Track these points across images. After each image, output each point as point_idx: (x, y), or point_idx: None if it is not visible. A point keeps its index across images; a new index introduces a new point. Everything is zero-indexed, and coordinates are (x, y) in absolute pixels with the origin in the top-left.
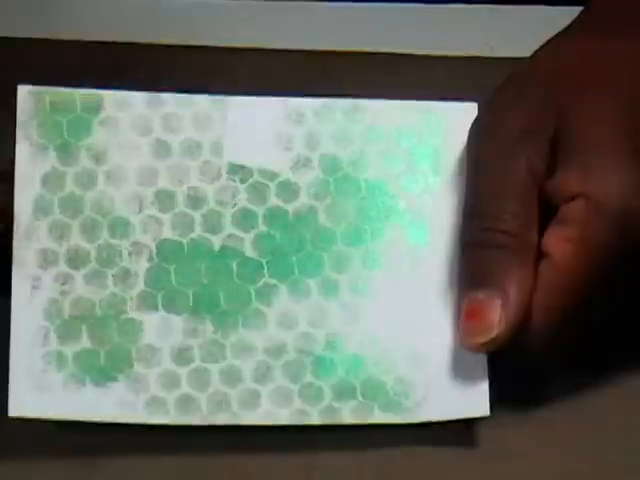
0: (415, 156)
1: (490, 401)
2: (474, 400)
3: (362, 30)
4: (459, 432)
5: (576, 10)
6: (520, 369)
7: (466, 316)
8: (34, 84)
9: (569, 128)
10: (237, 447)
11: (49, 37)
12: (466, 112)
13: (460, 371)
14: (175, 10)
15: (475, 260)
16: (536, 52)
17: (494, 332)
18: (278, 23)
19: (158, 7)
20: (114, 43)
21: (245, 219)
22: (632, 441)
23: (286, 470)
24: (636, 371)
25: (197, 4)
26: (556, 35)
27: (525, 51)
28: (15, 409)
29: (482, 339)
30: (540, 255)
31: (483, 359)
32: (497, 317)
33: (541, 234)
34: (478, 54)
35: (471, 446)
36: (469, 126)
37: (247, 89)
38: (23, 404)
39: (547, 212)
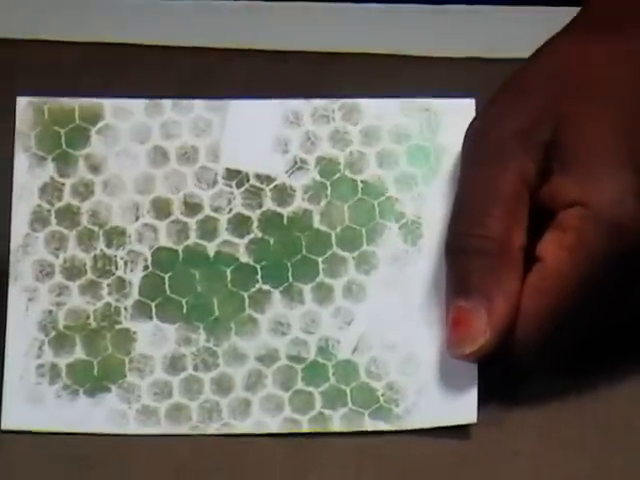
0: (412, 157)
1: (490, 402)
2: (462, 407)
3: (362, 31)
4: (459, 432)
5: (576, 10)
6: (520, 370)
7: (452, 325)
8: (34, 86)
9: (567, 134)
10: (234, 446)
11: (49, 37)
12: (464, 109)
13: (450, 377)
14: (175, 10)
15: (458, 266)
16: (534, 54)
17: (480, 341)
18: (278, 23)
19: (158, 7)
20: (114, 43)
21: (240, 225)
22: (633, 443)
23: (283, 470)
24: (636, 373)
25: (197, 4)
26: (554, 36)
27: (525, 51)
28: (7, 422)
29: (468, 349)
30: (533, 259)
31: (473, 365)
32: (482, 326)
33: (534, 238)
34: (478, 55)
35: (471, 447)
36: (467, 123)
37: (246, 90)
38: (15, 417)
39: (541, 215)
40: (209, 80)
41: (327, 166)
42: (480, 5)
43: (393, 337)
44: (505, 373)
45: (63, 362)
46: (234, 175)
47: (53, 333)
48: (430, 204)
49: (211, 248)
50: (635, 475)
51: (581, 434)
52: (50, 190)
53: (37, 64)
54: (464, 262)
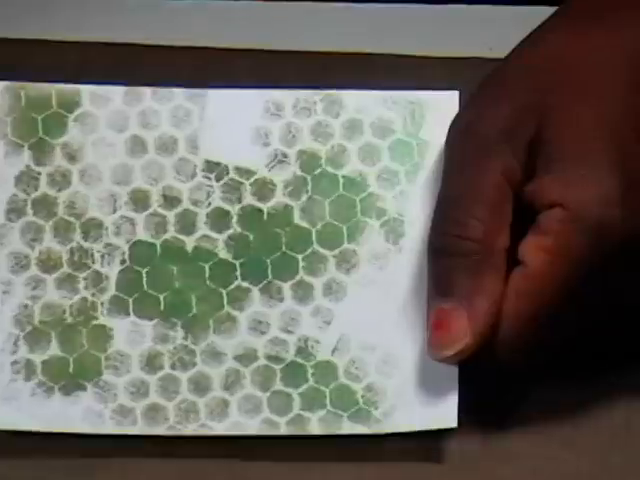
0: (395, 152)
1: (489, 402)
2: (442, 411)
3: (362, 30)
4: (459, 432)
5: None
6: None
7: (433, 327)
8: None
9: (551, 132)
10: (236, 448)
11: (49, 37)
12: (448, 101)
13: (430, 380)
14: (175, 10)
15: (441, 268)
16: (515, 48)
17: (461, 344)
18: (278, 23)
19: (158, 7)
20: (114, 43)
21: (219, 219)
22: (632, 442)
23: (284, 470)
24: (636, 372)
25: (197, 4)
26: (535, 29)
27: None
28: None
29: (449, 351)
30: (514, 260)
31: (454, 368)
32: (463, 329)
33: (517, 238)
34: (478, 54)
35: (471, 447)
36: (450, 116)
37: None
38: None
39: (525, 213)
40: (209, 80)
41: (308, 160)
42: (480, 5)
43: (373, 338)
44: (504, 373)
45: (38, 359)
46: (213, 167)
47: (29, 328)
48: (412, 202)
49: (190, 243)
50: (634, 474)
51: (580, 434)
52: (26, 179)
53: (37, 64)
54: (446, 263)
